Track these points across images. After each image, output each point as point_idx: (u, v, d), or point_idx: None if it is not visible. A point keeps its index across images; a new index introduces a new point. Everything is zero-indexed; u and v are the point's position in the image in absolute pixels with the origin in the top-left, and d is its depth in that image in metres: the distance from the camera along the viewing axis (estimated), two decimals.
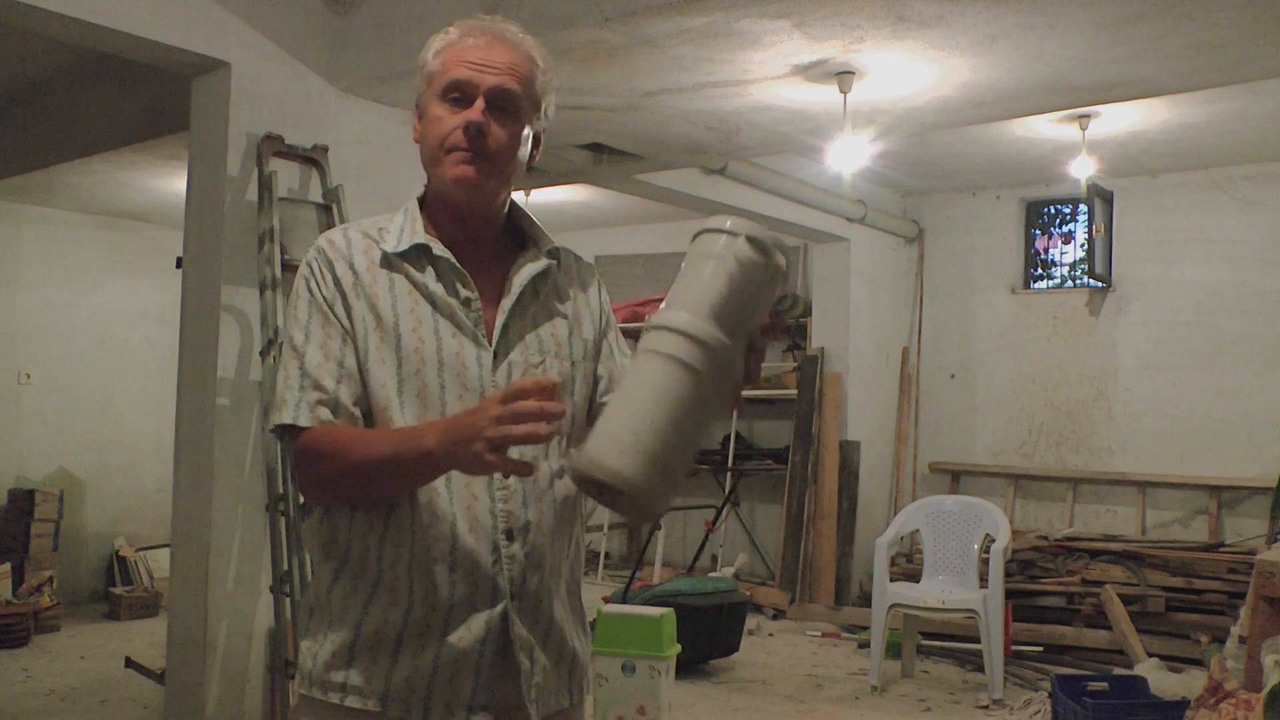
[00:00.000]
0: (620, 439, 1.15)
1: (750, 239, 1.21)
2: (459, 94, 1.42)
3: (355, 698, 1.38)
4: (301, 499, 1.53)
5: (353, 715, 1.39)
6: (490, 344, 1.43)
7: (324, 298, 1.41)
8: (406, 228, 1.46)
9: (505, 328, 1.44)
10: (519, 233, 1.54)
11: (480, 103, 1.41)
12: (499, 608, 1.38)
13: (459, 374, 1.40)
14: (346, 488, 1.38)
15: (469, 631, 1.38)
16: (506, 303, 1.45)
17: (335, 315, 1.41)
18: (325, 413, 1.37)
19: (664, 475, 1.15)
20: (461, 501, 1.38)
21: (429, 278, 1.43)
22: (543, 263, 1.49)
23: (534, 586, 1.41)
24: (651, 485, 1.14)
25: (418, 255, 1.44)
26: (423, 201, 1.51)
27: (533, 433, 1.19)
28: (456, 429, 1.24)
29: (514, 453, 1.40)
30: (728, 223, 1.24)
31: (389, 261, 1.44)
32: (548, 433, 1.19)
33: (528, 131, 1.46)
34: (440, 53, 1.45)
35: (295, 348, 1.40)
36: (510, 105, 1.43)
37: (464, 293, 1.43)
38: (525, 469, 1.24)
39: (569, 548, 1.49)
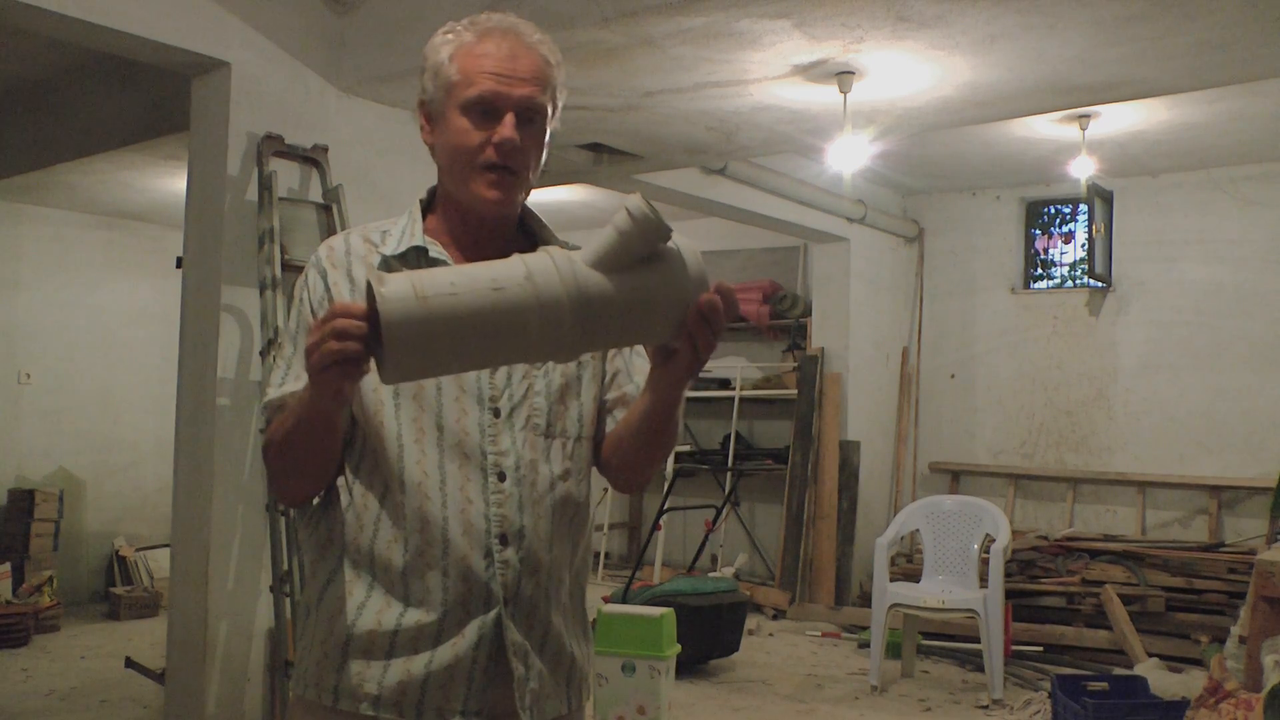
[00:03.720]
0: (422, 284, 1.13)
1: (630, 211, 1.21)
2: (486, 109, 1.39)
3: (348, 700, 1.38)
4: None
5: (346, 718, 1.38)
6: None
7: (311, 307, 1.42)
8: (407, 230, 1.45)
9: None
10: (529, 233, 1.53)
11: (511, 118, 1.39)
12: (492, 613, 1.38)
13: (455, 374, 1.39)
14: (282, 466, 1.37)
15: (462, 637, 1.37)
16: None
17: None
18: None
19: (424, 342, 1.12)
20: (455, 506, 1.37)
21: None
22: None
23: (529, 592, 1.40)
24: (401, 327, 1.11)
25: (416, 258, 1.43)
26: (430, 203, 1.50)
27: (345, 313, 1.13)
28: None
29: (511, 460, 1.40)
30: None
31: (388, 265, 1.43)
32: (357, 309, 1.14)
33: (549, 135, 1.46)
34: (456, 57, 1.41)
35: (284, 356, 1.43)
36: (537, 116, 1.42)
37: None
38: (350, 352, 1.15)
39: (571, 553, 1.48)
